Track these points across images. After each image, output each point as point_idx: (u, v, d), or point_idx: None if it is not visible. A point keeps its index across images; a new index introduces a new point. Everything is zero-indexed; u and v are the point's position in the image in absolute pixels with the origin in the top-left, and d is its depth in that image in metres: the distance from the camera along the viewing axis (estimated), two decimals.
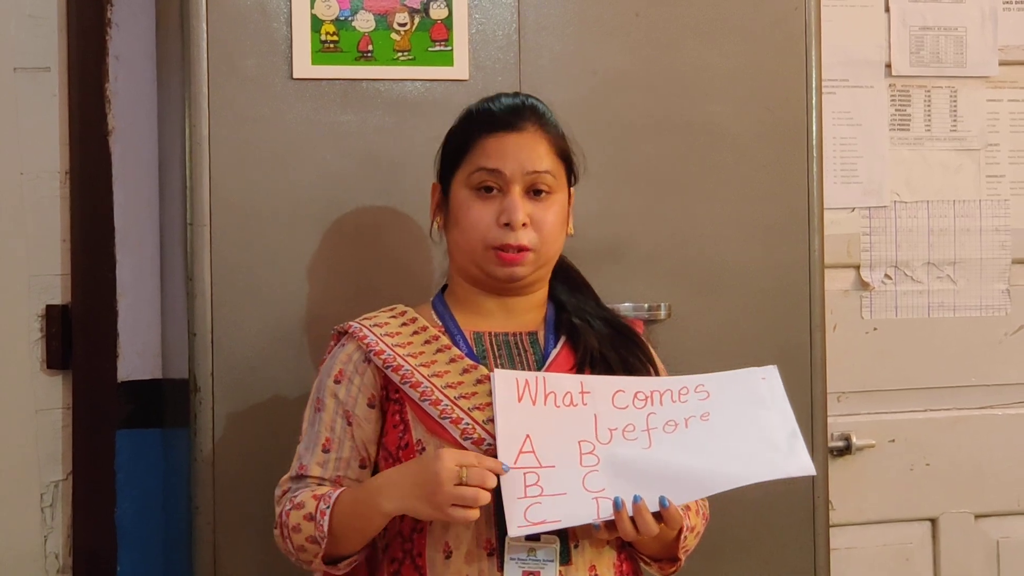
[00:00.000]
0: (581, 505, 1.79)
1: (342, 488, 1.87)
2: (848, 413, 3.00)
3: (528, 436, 1.82)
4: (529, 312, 2.00)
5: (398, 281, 2.30)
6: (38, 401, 2.81)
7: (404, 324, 1.97)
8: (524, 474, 1.80)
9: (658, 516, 1.79)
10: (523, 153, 1.92)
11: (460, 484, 1.75)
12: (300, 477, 1.92)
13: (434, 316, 1.99)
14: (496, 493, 1.78)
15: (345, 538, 1.84)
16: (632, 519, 1.78)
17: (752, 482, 1.82)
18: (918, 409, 3.08)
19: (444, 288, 2.05)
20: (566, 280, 2.05)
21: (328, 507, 1.83)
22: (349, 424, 1.91)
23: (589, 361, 1.94)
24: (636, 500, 1.78)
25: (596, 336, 1.97)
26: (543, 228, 1.92)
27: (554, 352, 1.96)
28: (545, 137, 1.95)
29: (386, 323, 1.97)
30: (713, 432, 1.85)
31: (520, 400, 1.84)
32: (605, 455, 1.82)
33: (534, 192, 1.93)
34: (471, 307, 1.98)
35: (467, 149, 1.94)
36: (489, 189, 1.92)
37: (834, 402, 2.95)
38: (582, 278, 2.07)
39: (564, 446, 1.83)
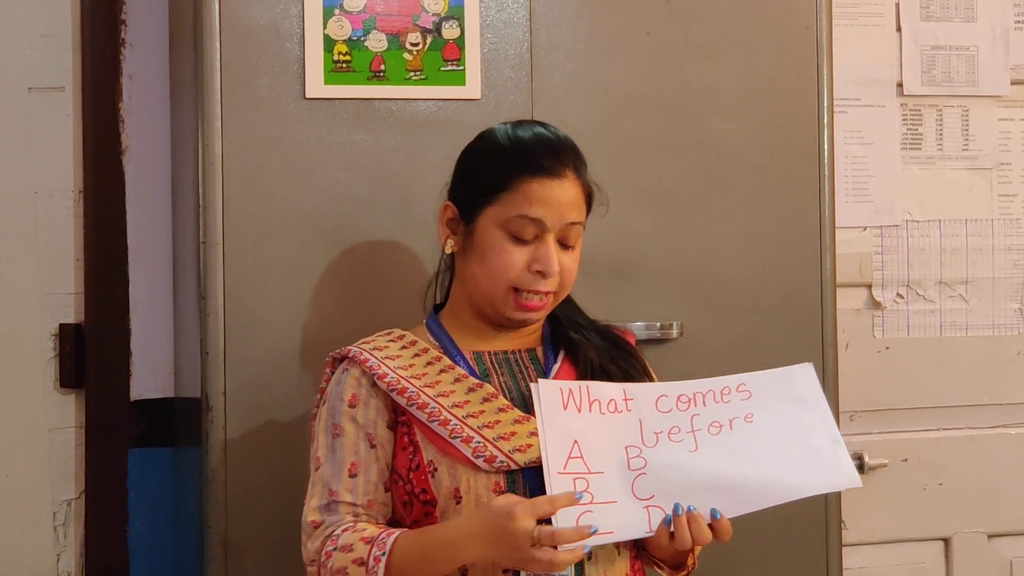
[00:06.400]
0: (632, 515, 1.79)
1: (396, 532, 1.81)
2: (860, 432, 2.99)
3: (576, 441, 1.81)
4: (529, 332, 2.00)
5: (410, 300, 2.29)
6: (51, 420, 2.81)
7: (404, 347, 1.96)
8: (574, 480, 1.79)
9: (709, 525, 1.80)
10: (563, 202, 1.90)
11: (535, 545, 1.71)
12: (332, 505, 1.86)
13: (431, 338, 1.98)
14: None
15: None
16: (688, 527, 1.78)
17: (800, 497, 1.82)
18: (931, 428, 3.08)
19: (436, 308, 2.05)
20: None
21: (384, 553, 1.78)
22: (373, 447, 1.89)
23: (590, 374, 1.93)
24: (691, 510, 1.79)
25: (595, 349, 1.98)
26: (567, 276, 1.94)
27: (555, 367, 1.97)
28: (579, 182, 1.93)
29: (385, 347, 1.96)
30: (758, 436, 1.85)
31: (565, 408, 1.83)
32: (652, 458, 1.82)
33: (564, 241, 1.92)
34: (471, 330, 1.98)
35: (504, 188, 1.90)
36: (525, 236, 1.90)
37: (846, 421, 2.94)
38: None
39: (612, 451, 1.82)
